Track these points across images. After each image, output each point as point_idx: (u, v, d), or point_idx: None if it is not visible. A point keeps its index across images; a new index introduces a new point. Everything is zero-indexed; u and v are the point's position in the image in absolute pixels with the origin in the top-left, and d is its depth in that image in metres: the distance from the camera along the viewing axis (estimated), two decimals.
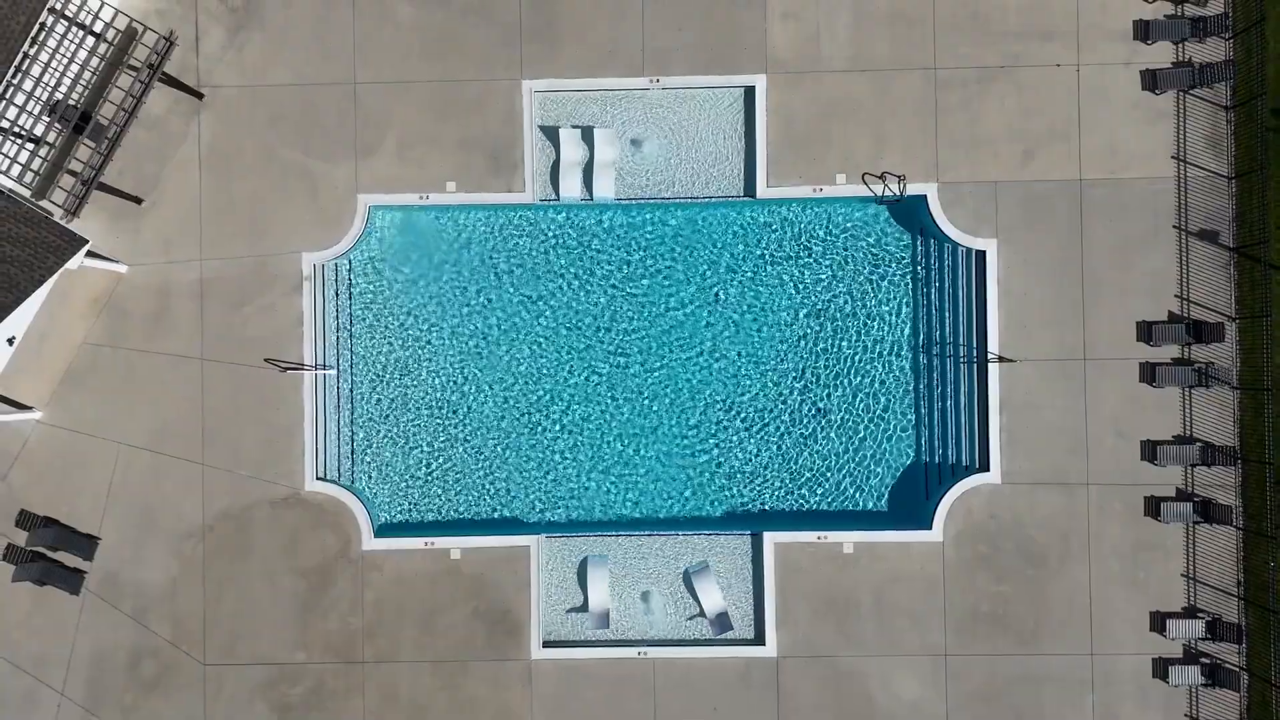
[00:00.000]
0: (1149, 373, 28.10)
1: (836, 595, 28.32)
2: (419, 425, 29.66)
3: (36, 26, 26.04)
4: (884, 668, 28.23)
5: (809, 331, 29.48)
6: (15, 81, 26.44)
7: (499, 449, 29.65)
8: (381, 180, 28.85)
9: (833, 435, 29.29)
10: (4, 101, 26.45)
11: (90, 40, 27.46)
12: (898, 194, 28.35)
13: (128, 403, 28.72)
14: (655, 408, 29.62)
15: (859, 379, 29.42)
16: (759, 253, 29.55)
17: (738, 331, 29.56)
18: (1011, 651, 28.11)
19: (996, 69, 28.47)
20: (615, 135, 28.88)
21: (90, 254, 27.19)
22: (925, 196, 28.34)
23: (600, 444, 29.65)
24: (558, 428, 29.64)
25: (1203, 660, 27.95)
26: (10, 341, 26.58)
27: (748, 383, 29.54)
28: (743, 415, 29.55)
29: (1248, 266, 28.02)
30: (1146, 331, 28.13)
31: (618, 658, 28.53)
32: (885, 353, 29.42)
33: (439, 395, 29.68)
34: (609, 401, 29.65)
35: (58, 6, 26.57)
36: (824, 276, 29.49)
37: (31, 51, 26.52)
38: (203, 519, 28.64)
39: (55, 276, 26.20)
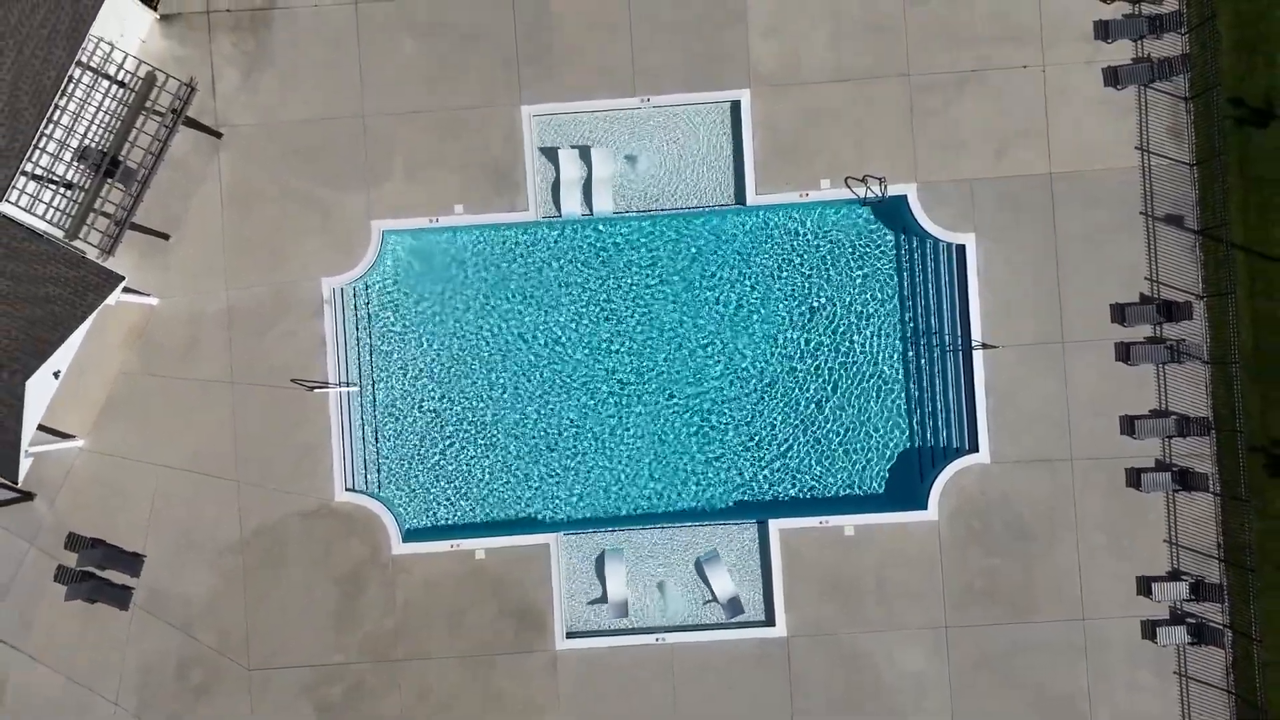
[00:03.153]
0: (1124, 352, 28.94)
1: (840, 576, 29.20)
2: (439, 434, 30.59)
3: (65, 79, 26.94)
4: (888, 642, 29.12)
5: (803, 328, 30.44)
6: (48, 131, 27.37)
7: (516, 453, 30.57)
8: (392, 206, 29.71)
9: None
10: (38, 151, 27.34)
11: (115, 89, 28.39)
12: (880, 195, 29.28)
13: (164, 428, 29.69)
14: (660, 408, 30.57)
15: (853, 370, 30.45)
16: (753, 256, 30.51)
17: (736, 331, 30.49)
18: (1008, 621, 28.99)
19: (968, 73, 29.30)
20: (611, 153, 29.80)
21: (124, 289, 27.97)
22: (906, 196, 29.21)
23: (610, 445, 30.59)
24: (570, 431, 30.60)
25: (1188, 620, 28.79)
26: (56, 375, 27.35)
27: (747, 380, 30.46)
28: (743, 412, 30.47)
29: (1212, 247, 28.87)
30: (1120, 313, 28.99)
31: (637, 645, 29.38)
32: (876, 344, 30.36)
33: (456, 404, 30.62)
34: (616, 404, 30.63)
35: (84, 59, 27.70)
36: (814, 276, 30.41)
37: (61, 103, 27.39)
38: (240, 533, 29.63)
39: (95, 312, 27.08)
